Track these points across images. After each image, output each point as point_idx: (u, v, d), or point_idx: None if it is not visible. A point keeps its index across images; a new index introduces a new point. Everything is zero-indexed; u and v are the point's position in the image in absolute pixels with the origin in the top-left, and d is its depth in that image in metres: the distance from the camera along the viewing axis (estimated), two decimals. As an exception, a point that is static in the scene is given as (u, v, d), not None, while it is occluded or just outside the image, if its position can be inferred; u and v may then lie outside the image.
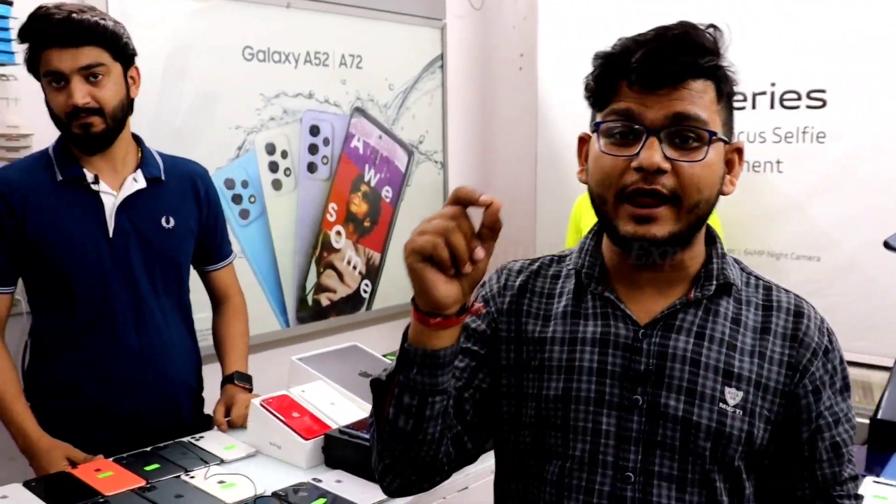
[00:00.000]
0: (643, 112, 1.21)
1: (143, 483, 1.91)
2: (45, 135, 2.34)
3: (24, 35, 2.08)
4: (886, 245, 3.20)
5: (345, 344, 2.62)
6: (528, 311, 1.38)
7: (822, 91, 3.27)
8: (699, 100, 1.21)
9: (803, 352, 1.29)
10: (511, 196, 4.37)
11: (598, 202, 1.27)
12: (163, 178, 2.27)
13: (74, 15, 2.05)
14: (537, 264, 1.44)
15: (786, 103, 3.35)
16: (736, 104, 3.33)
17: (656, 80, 1.20)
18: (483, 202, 1.07)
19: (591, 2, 3.85)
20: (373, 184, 3.69)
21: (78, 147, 2.15)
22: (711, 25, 1.26)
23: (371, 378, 1.28)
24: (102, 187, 2.17)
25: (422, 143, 3.91)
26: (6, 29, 2.50)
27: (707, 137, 1.21)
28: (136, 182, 2.22)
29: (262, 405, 2.11)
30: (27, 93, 2.57)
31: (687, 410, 1.25)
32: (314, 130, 3.43)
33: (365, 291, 3.72)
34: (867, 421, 2.23)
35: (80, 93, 2.06)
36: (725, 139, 1.26)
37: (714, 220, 3.18)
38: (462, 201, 1.07)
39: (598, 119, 1.26)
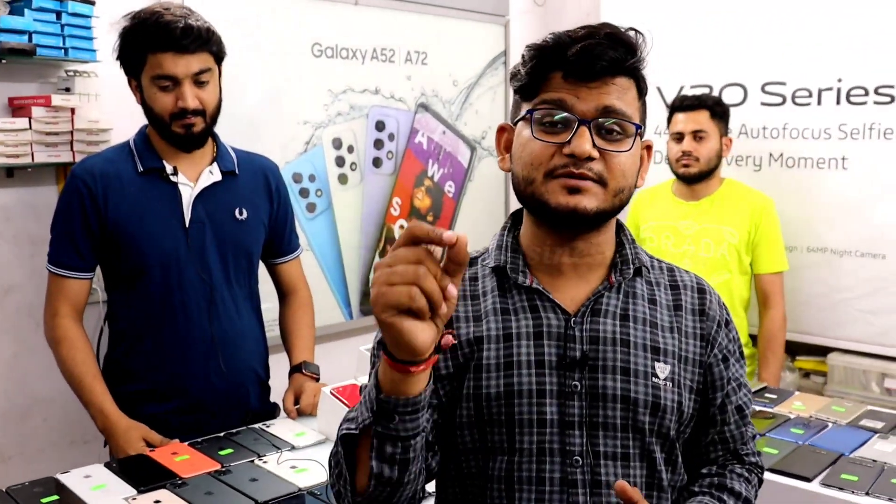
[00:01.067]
0: (575, 103, 1.27)
1: (218, 466, 1.98)
2: (123, 129, 2.42)
3: (133, 37, 2.15)
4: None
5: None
6: (457, 315, 1.37)
7: (891, 87, 3.24)
8: (624, 95, 1.28)
9: (710, 324, 1.40)
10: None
11: (523, 184, 1.32)
12: (237, 171, 2.35)
13: (189, 21, 2.14)
14: None
15: (852, 99, 3.32)
16: (800, 100, 3.37)
17: (591, 72, 1.27)
18: (447, 241, 0.97)
19: (653, -2, 3.86)
20: (436, 179, 3.73)
21: (176, 145, 2.24)
22: (631, 28, 1.32)
23: (340, 433, 1.18)
24: (181, 179, 2.25)
25: (484, 138, 3.94)
26: (89, 28, 2.58)
27: (633, 130, 1.29)
28: (213, 175, 2.30)
29: (332, 393, 2.16)
30: (107, 88, 2.67)
31: (624, 388, 1.31)
32: (380, 126, 3.48)
33: (427, 285, 3.75)
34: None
35: (191, 97, 2.16)
36: (641, 134, 1.33)
37: (771, 215, 3.18)
38: (421, 241, 0.98)
39: (529, 107, 1.31)
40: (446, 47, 3.72)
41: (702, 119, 3.20)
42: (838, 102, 3.36)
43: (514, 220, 1.45)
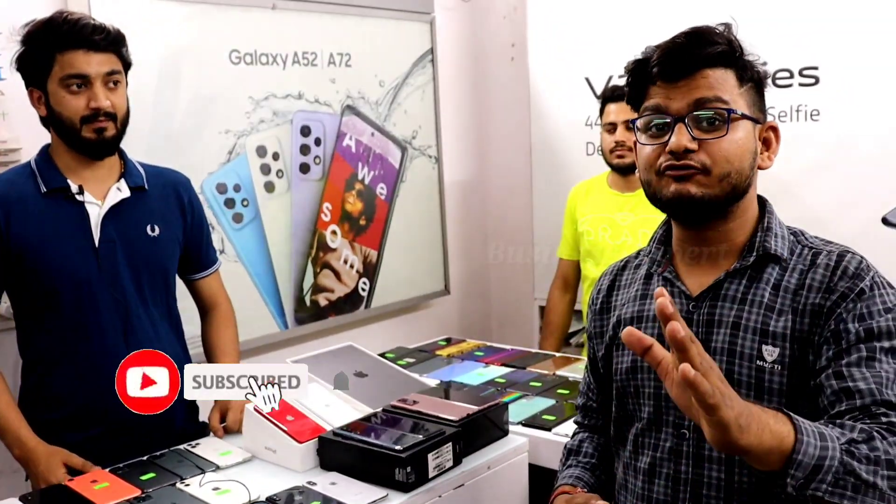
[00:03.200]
0: (668, 104, 1.42)
1: (138, 493, 1.92)
2: (33, 149, 2.34)
3: (40, 38, 2.10)
4: (885, 221, 3.17)
5: (340, 344, 2.61)
6: (615, 304, 1.67)
7: (815, 68, 3.23)
8: (718, 85, 1.40)
9: (830, 296, 1.40)
10: (507, 187, 4.36)
11: (646, 187, 1.49)
12: (146, 186, 2.29)
13: (98, 22, 2.12)
14: (625, 261, 1.73)
15: (778, 82, 3.31)
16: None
17: (673, 72, 1.41)
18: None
19: (579, -11, 3.84)
20: (367, 181, 3.68)
21: (87, 152, 2.17)
22: (723, 23, 1.46)
23: None
24: (87, 197, 2.18)
25: (415, 138, 3.89)
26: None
27: (726, 115, 1.39)
28: (121, 191, 2.23)
29: (255, 410, 2.10)
30: (14, 108, 2.57)
31: (728, 370, 1.41)
32: (305, 131, 3.41)
33: (363, 290, 3.71)
34: None
35: (104, 97, 2.11)
36: (753, 118, 1.44)
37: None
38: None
39: (634, 118, 1.49)
40: (371, 48, 3.65)
41: (633, 109, 3.17)
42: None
43: None
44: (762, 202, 1.55)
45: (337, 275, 3.58)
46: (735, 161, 1.40)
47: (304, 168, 3.43)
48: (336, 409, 2.19)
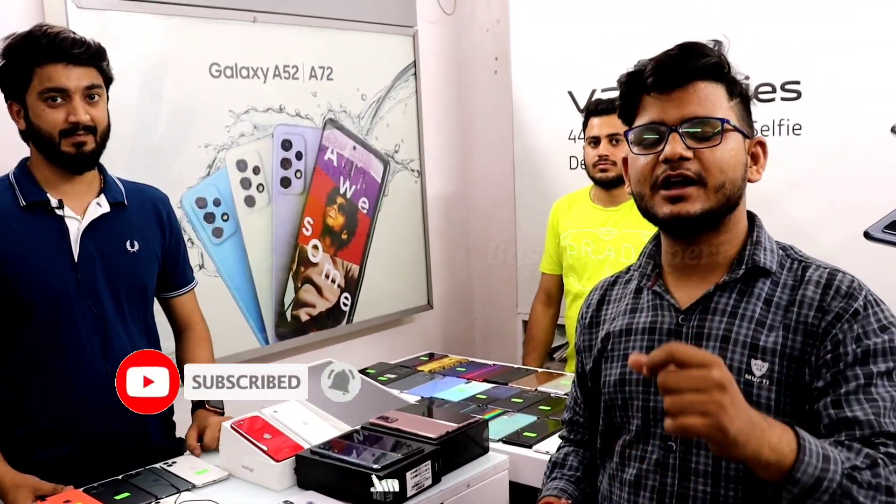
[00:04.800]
0: (662, 115, 1.44)
1: (112, 513, 1.88)
2: (8, 163, 2.31)
3: (19, 52, 2.08)
4: (867, 235, 3.18)
5: (319, 360, 2.58)
6: (604, 318, 1.68)
7: (797, 83, 3.24)
8: (709, 98, 1.43)
9: (825, 317, 1.40)
10: (490, 201, 4.35)
11: (639, 200, 1.50)
12: (125, 202, 2.26)
13: (78, 35, 2.11)
14: (615, 276, 1.74)
15: (761, 97, 3.32)
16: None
17: (667, 83, 1.43)
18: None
19: (563, 2, 3.83)
20: (349, 196, 3.66)
21: (65, 166, 2.14)
22: (713, 39, 1.51)
23: None
24: (67, 212, 2.15)
25: (397, 152, 3.87)
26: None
27: (720, 126, 1.41)
28: (101, 206, 2.21)
29: (232, 427, 2.08)
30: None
31: None
32: (286, 145, 3.39)
33: (345, 304, 3.68)
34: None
35: (83, 111, 2.09)
36: (743, 131, 1.46)
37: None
38: None
39: (627, 130, 1.50)
40: (353, 61, 3.64)
41: (617, 123, 3.13)
42: (747, 100, 3.35)
43: None
44: (751, 216, 1.57)
45: (318, 290, 3.56)
46: (729, 171, 1.42)
47: (285, 182, 3.40)
48: (314, 427, 2.16)
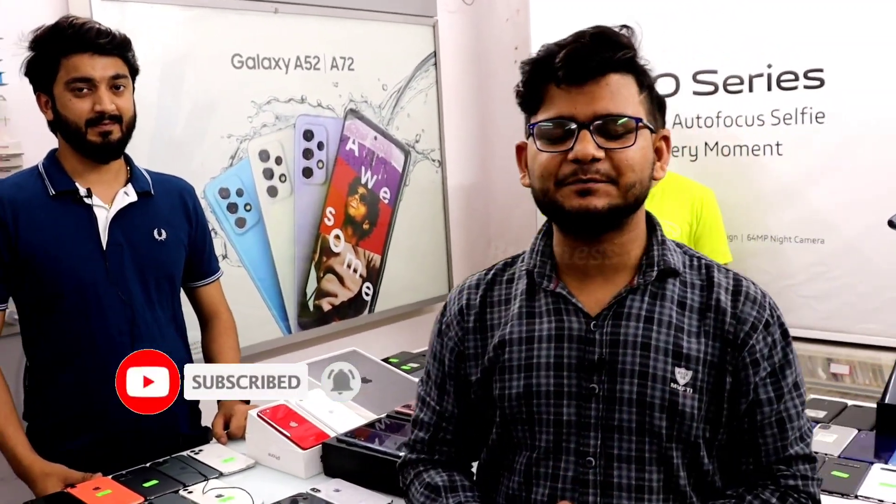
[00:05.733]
0: (572, 109, 1.32)
1: (141, 500, 1.90)
2: (35, 154, 2.33)
3: (46, 43, 2.11)
4: (891, 223, 3.16)
5: (344, 349, 2.60)
6: (492, 323, 1.48)
7: (820, 70, 3.22)
8: (622, 92, 1.33)
9: (741, 327, 1.37)
10: (510, 192, 4.34)
11: (540, 195, 1.38)
12: (152, 192, 2.28)
13: (104, 26, 2.14)
14: (491, 273, 1.55)
15: (783, 85, 3.31)
16: (732, 88, 3.36)
17: (580, 76, 1.32)
18: None
19: (582, -9, 3.82)
20: (370, 186, 3.67)
21: (92, 156, 2.17)
22: (624, 26, 1.38)
23: None
24: (95, 201, 2.18)
25: (418, 141, 3.88)
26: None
27: (634, 125, 1.33)
28: (128, 196, 2.23)
29: (259, 416, 2.09)
30: (15, 113, 2.57)
31: (640, 392, 1.34)
32: (308, 135, 3.40)
33: (367, 294, 3.70)
34: (874, 405, 2.20)
35: (108, 100, 2.11)
36: (651, 127, 1.37)
37: (712, 206, 3.15)
38: None
39: (532, 122, 1.38)
40: (373, 51, 3.65)
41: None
42: (769, 88, 3.33)
43: (550, 223, 1.48)
44: (649, 216, 1.47)
45: (340, 279, 3.57)
46: (640, 170, 1.34)
47: (307, 172, 3.42)
48: (340, 416, 2.17)
